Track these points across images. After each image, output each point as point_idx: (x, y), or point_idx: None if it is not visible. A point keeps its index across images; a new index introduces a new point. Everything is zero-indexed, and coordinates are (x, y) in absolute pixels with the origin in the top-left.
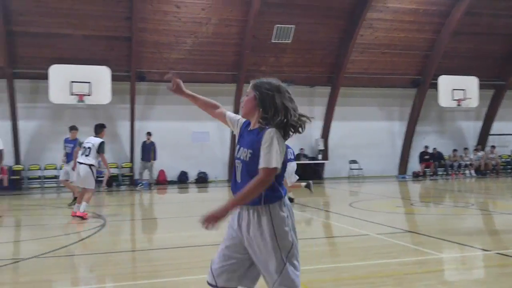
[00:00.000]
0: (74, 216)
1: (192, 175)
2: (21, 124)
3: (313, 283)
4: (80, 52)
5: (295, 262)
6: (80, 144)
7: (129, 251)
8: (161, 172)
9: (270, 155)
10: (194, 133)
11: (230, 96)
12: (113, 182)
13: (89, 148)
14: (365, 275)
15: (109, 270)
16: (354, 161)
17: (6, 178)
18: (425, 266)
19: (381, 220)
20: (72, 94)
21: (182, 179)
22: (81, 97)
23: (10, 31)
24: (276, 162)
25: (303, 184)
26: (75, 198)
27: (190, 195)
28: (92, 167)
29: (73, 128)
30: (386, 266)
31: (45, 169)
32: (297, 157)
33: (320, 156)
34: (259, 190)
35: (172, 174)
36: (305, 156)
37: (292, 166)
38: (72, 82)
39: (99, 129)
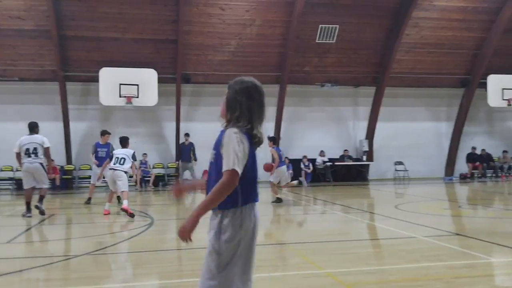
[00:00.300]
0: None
1: None
2: (72, 125)
3: (359, 285)
4: (128, 55)
5: (231, 280)
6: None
7: (174, 249)
8: (205, 173)
9: (229, 157)
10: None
11: (273, 97)
12: (159, 182)
13: (123, 158)
14: (412, 277)
15: (155, 268)
16: (399, 163)
17: (58, 177)
18: (475, 271)
19: (428, 222)
20: (120, 96)
21: None
22: (129, 99)
23: (63, 35)
24: (234, 164)
25: (295, 182)
26: (89, 199)
27: None
28: (127, 173)
29: (105, 133)
30: (434, 269)
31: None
32: (341, 158)
33: (364, 158)
34: (222, 193)
35: None
36: (349, 158)
37: (282, 170)
38: (121, 84)
39: (125, 142)
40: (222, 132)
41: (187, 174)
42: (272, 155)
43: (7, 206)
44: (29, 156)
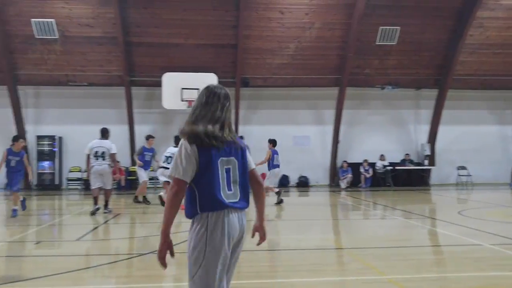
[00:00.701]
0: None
1: (293, 179)
2: (137, 128)
3: None
4: (190, 60)
5: (199, 285)
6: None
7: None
8: (262, 176)
9: (174, 164)
10: (295, 137)
11: (332, 100)
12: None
13: (170, 157)
14: (478, 287)
15: None
16: (462, 167)
17: (123, 178)
18: None
19: (494, 229)
20: (182, 100)
21: (283, 183)
22: (190, 103)
23: (128, 42)
24: (177, 172)
25: (276, 189)
26: (136, 197)
27: (290, 199)
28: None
29: (150, 137)
30: (502, 279)
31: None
32: (402, 162)
33: (426, 162)
34: (171, 201)
35: None
36: (411, 162)
37: (276, 172)
38: (183, 89)
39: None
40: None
41: None
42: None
43: (75, 205)
44: (97, 159)
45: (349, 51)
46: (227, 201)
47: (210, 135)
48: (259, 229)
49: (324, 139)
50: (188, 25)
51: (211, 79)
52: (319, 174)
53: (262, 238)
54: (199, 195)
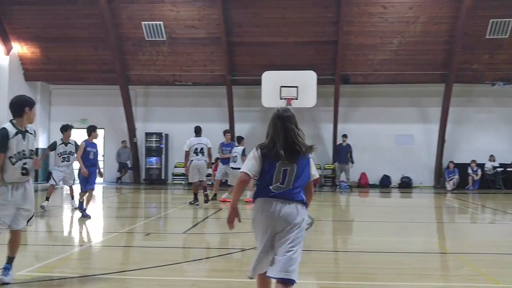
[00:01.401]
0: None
1: (395, 180)
2: (237, 126)
3: None
4: (289, 58)
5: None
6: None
7: (331, 251)
8: (363, 175)
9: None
10: (397, 136)
11: (438, 97)
12: (316, 183)
13: (235, 156)
14: None
15: (311, 268)
16: None
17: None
18: None
19: None
20: (281, 98)
21: (384, 183)
22: (289, 101)
23: (230, 41)
24: (243, 168)
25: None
26: (214, 195)
27: (392, 200)
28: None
29: (227, 132)
30: None
31: None
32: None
33: None
34: (236, 187)
35: (373, 177)
36: None
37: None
38: (281, 87)
39: (241, 140)
40: None
41: (343, 176)
42: None
43: (180, 199)
44: (197, 155)
45: (457, 46)
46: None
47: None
48: None
49: (429, 138)
50: (288, 23)
51: (310, 76)
52: (423, 175)
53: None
54: (260, 187)
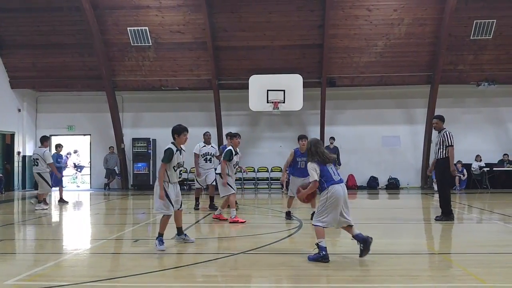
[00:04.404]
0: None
1: (383, 181)
2: (225, 130)
3: None
4: (275, 61)
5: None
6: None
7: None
8: (351, 177)
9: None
10: (384, 138)
11: (424, 98)
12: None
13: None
14: None
15: (306, 271)
16: None
17: None
18: None
19: None
20: (268, 102)
21: (372, 185)
22: (276, 104)
23: (217, 46)
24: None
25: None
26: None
27: (380, 201)
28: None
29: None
30: None
31: (258, 171)
32: (500, 163)
33: None
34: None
35: (361, 179)
36: (510, 163)
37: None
38: (268, 90)
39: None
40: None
41: None
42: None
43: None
44: (206, 162)
45: (441, 47)
46: None
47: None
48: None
49: (416, 139)
50: (274, 27)
51: (296, 79)
52: (410, 176)
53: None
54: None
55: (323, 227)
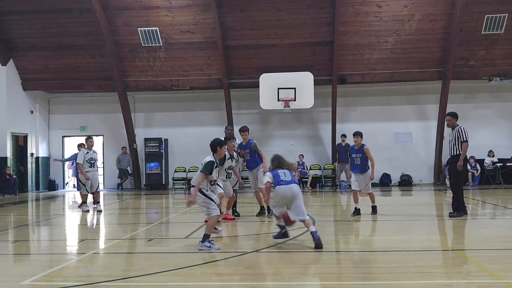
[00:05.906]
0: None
1: (395, 178)
2: (236, 129)
3: None
4: (286, 59)
5: None
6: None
7: (333, 251)
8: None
9: None
10: (396, 134)
11: (435, 94)
12: (317, 183)
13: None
14: None
15: (314, 269)
16: None
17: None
18: None
19: None
20: (279, 100)
21: (385, 182)
22: (286, 102)
23: (227, 45)
24: None
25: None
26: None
27: (393, 198)
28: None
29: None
30: None
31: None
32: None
33: None
34: None
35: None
36: None
37: None
38: (279, 88)
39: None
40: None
41: (343, 176)
42: None
43: (181, 204)
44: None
45: (452, 43)
46: None
47: None
48: None
49: (428, 135)
50: (284, 25)
51: (307, 77)
52: (422, 172)
53: None
54: None
55: (276, 215)
